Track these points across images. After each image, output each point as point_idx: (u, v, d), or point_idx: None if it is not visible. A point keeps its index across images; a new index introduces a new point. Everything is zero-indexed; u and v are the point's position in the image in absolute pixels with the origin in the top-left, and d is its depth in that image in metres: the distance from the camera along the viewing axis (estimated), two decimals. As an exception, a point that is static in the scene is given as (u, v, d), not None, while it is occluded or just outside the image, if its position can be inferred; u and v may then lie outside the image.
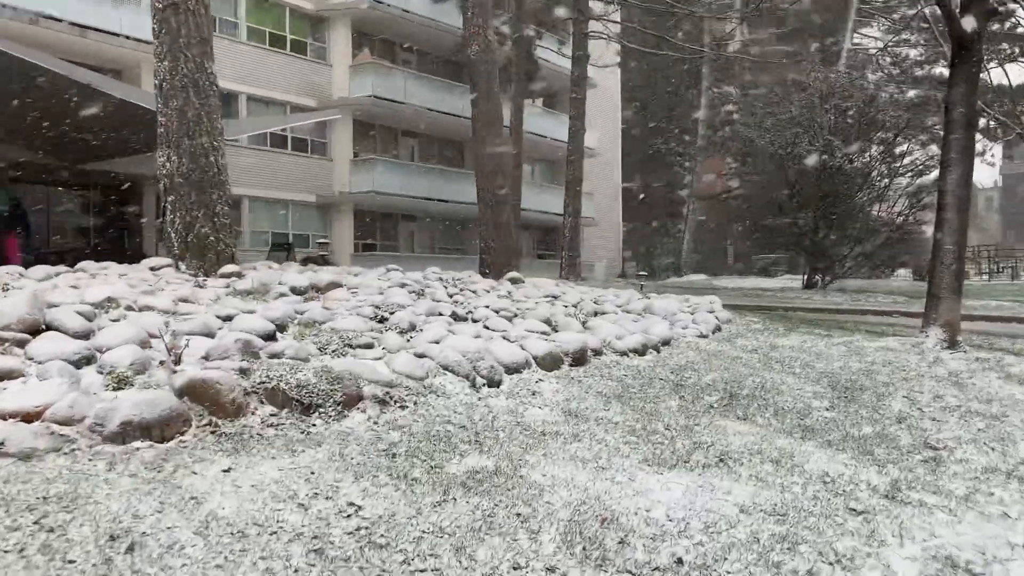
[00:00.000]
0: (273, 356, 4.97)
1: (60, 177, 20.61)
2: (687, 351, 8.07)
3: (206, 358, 4.77)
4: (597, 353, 7.12)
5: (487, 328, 7.11)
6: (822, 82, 24.88)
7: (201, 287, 6.79)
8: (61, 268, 7.26)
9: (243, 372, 4.49)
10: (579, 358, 6.70)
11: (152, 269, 7.79)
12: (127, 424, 3.73)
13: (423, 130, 31.20)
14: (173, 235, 8.04)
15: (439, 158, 33.45)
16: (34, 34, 18.87)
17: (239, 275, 7.44)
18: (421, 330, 6.29)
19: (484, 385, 5.54)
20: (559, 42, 32.32)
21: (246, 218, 26.61)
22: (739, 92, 30.11)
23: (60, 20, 18.79)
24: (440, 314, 7.00)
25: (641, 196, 48.26)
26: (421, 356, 5.50)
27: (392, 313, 6.56)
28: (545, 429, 4.87)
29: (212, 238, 8.05)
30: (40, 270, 7.02)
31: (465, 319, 7.35)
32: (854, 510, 3.98)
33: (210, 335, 5.22)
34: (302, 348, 5.11)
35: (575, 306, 9.12)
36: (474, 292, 8.82)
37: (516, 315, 7.75)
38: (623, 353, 7.30)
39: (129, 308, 5.50)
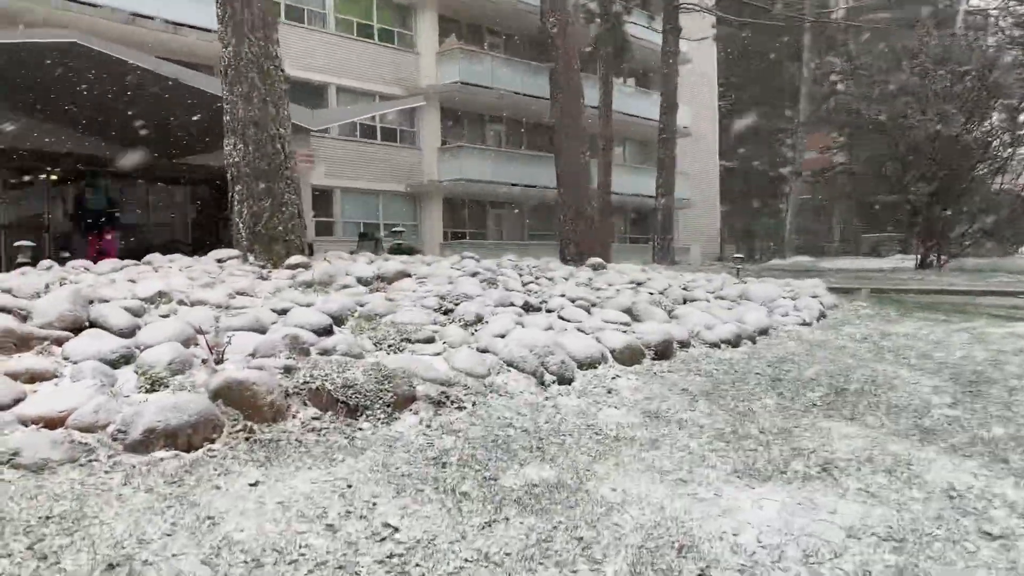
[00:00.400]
0: (324, 352, 4.60)
1: (156, 172, 21.16)
2: (787, 341, 7.35)
3: (253, 355, 4.44)
4: (684, 345, 6.50)
5: (561, 319, 6.60)
6: (936, 47, 23.05)
7: (265, 279, 6.53)
8: (128, 261, 7.15)
9: (287, 371, 4.13)
10: (663, 351, 6.10)
11: (219, 261, 7.61)
12: (150, 431, 3.41)
13: (510, 115, 30.75)
14: (240, 226, 7.86)
15: (527, 143, 32.94)
16: (131, 33, 19.35)
17: (305, 266, 7.17)
18: (487, 322, 5.82)
19: (553, 382, 5.03)
20: (649, 17, 31.24)
21: (338, 209, 26.84)
22: (844, 62, 28.27)
23: (153, 18, 19.19)
24: (511, 304, 6.53)
25: (740, 175, 46.54)
26: (484, 351, 5.04)
27: (458, 304, 6.12)
28: (619, 434, 4.32)
29: (280, 228, 7.83)
30: (107, 264, 6.94)
31: (538, 309, 6.85)
32: (988, 534, 3.29)
33: (262, 331, 4.90)
34: (355, 344, 4.73)
35: (662, 293, 8.48)
36: (550, 280, 8.30)
37: (594, 304, 7.20)
38: (714, 344, 6.65)
39: (181, 303, 5.26)
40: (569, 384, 5.14)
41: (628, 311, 7.00)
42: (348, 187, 26.92)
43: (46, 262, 7.27)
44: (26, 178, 19.69)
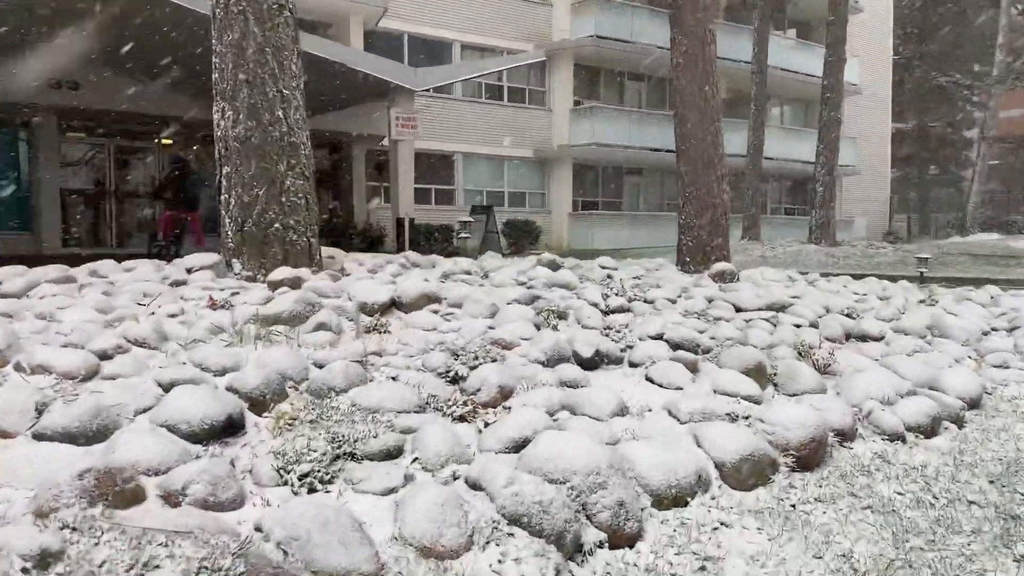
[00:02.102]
0: (166, 497, 2.54)
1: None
2: (1015, 424, 4.67)
3: None
4: (845, 438, 4.03)
5: (649, 380, 4.28)
6: None
7: (221, 306, 4.57)
8: (50, 269, 5.28)
9: None
10: (809, 456, 3.69)
11: (189, 271, 5.76)
12: None
13: (651, 72, 27.71)
14: (227, 221, 5.96)
15: (670, 103, 29.82)
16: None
17: (294, 284, 5.17)
18: (513, 402, 3.61)
19: (598, 546, 2.78)
20: (815, -42, 27.22)
21: (459, 176, 25.10)
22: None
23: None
24: (570, 358, 4.27)
25: (915, 138, 41.22)
26: (476, 487, 2.84)
27: (478, 364, 3.93)
28: None
29: (277, 225, 5.85)
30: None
31: (616, 361, 4.55)
32: None
33: (96, 434, 2.90)
34: (228, 479, 2.64)
35: (814, 325, 5.92)
36: (650, 303, 5.91)
37: (707, 352, 4.82)
38: (893, 436, 4.14)
39: (19, 367, 3.34)
40: (632, 544, 2.87)
41: (757, 369, 4.56)
42: (470, 152, 25.08)
43: None
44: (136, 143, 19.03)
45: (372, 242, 18.98)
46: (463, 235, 9.42)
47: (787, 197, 34.57)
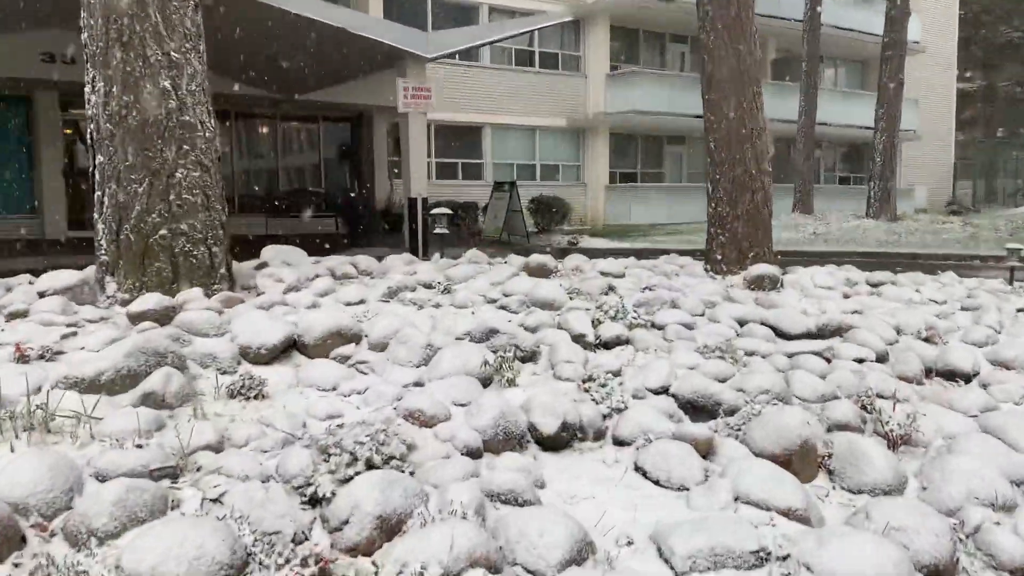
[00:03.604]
0: None
1: (279, 111, 18.86)
2: None
3: None
4: (940, 577, 2.56)
5: (642, 474, 2.86)
6: None
7: (30, 359, 3.22)
8: None
9: None
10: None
11: (41, 295, 4.43)
12: None
13: (695, 33, 25.72)
14: (101, 227, 4.58)
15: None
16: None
17: (163, 316, 3.80)
18: (394, 550, 2.20)
19: None
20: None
21: (488, 148, 23.58)
22: None
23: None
24: (524, 436, 2.85)
25: (982, 99, 38.39)
26: None
27: (353, 471, 2.52)
28: None
29: (165, 232, 4.42)
30: None
31: (599, 435, 3.11)
32: None
33: None
34: None
35: (881, 358, 4.38)
36: (660, 328, 4.42)
37: (731, 413, 3.35)
38: (1017, 572, 2.64)
39: None
40: None
41: (802, 452, 3.07)
42: (500, 123, 23.52)
43: None
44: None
45: (394, 223, 17.67)
46: (437, 230, 7.97)
47: (842, 164, 32.27)
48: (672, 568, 2.41)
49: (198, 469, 2.58)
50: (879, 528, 2.72)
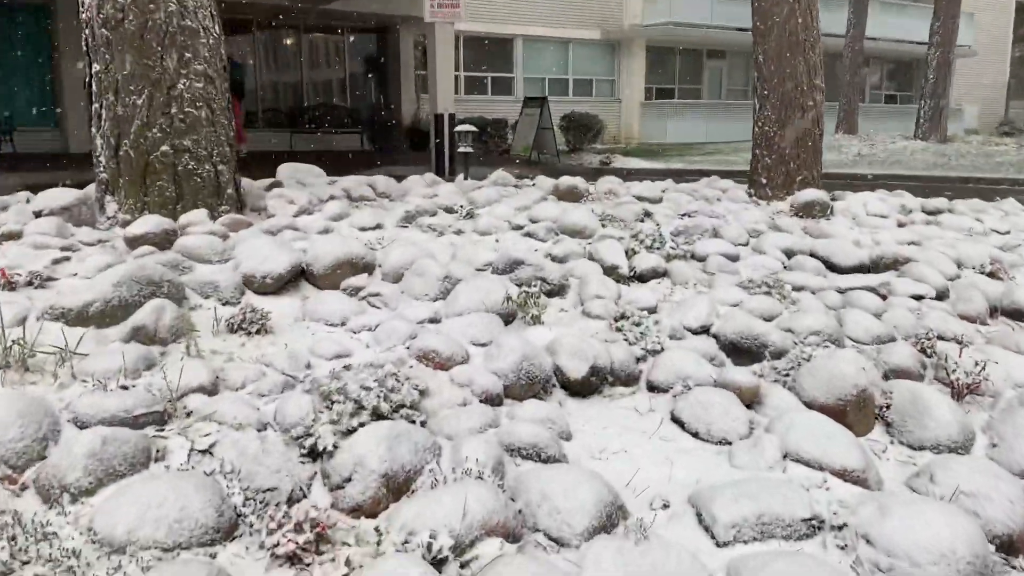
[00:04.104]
0: None
1: (298, 19, 18.21)
2: None
3: None
4: (1013, 550, 2.28)
5: (680, 425, 2.58)
6: None
7: (16, 286, 2.98)
8: None
9: None
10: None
11: (37, 214, 4.13)
12: None
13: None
14: (99, 143, 4.25)
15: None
16: None
17: (162, 240, 3.50)
18: (401, 511, 1.96)
19: None
20: None
21: (518, 62, 22.79)
22: None
23: None
24: (550, 380, 2.59)
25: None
26: None
27: (358, 421, 2.26)
28: None
29: (167, 148, 4.08)
30: None
31: (632, 378, 2.84)
32: None
33: None
34: None
35: (942, 295, 4.01)
36: (701, 260, 4.07)
37: (782, 353, 3.04)
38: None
39: None
40: None
41: (859, 402, 2.77)
42: (531, 35, 22.64)
43: None
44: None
45: (421, 140, 17.21)
46: (461, 148, 7.49)
47: (888, 82, 30.88)
48: (713, 537, 2.14)
49: (188, 415, 2.34)
50: (946, 493, 2.43)
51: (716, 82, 26.59)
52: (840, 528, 2.19)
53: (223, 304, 3.15)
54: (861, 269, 4.32)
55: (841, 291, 3.93)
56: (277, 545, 1.88)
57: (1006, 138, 22.49)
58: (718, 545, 2.13)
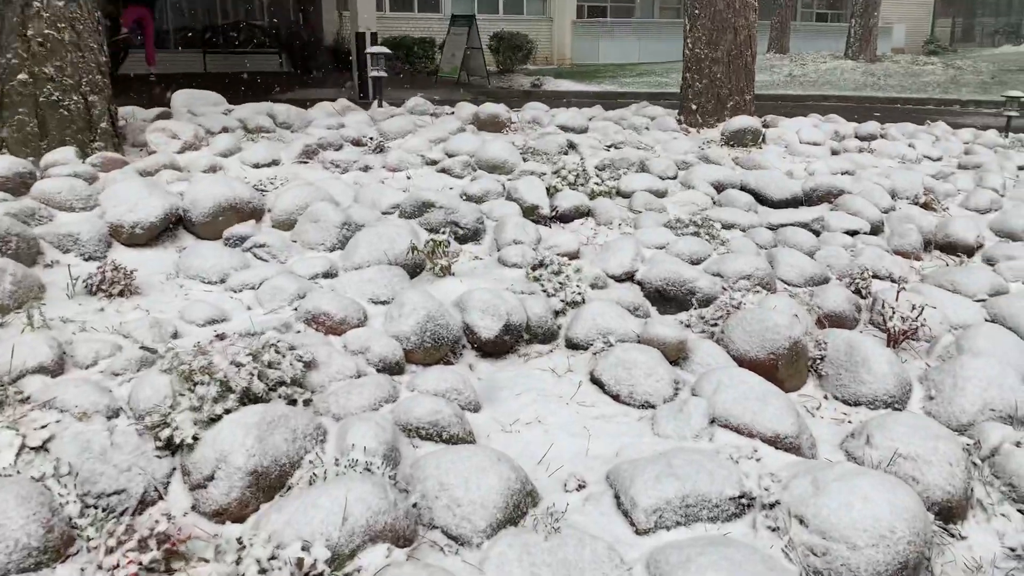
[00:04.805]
0: None
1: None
2: None
3: None
4: (942, 515, 2.13)
5: (599, 387, 2.33)
6: None
7: None
8: None
9: None
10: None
11: None
12: None
13: None
14: None
15: None
16: None
17: (17, 185, 3.07)
18: (270, 518, 1.67)
19: None
20: None
21: (445, -20, 21.74)
22: None
23: None
24: (459, 341, 2.29)
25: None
26: None
27: (221, 408, 1.95)
28: None
29: (24, 76, 3.53)
30: None
31: (550, 335, 2.57)
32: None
33: None
34: None
35: (876, 229, 3.83)
36: (626, 196, 3.80)
37: (710, 300, 2.80)
38: (1042, 507, 2.21)
39: None
40: None
41: (790, 355, 2.57)
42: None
43: None
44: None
45: (341, 61, 16.34)
46: (373, 72, 6.89)
47: (819, 1, 30.67)
48: (633, 524, 1.92)
49: (23, 401, 1.98)
50: (884, 457, 2.26)
51: (649, 0, 25.98)
52: (772, 507, 1.99)
53: (86, 259, 2.75)
54: (794, 202, 4.11)
55: (773, 228, 3.72)
56: (117, 567, 1.58)
57: (932, 57, 22.62)
58: (638, 532, 1.91)
